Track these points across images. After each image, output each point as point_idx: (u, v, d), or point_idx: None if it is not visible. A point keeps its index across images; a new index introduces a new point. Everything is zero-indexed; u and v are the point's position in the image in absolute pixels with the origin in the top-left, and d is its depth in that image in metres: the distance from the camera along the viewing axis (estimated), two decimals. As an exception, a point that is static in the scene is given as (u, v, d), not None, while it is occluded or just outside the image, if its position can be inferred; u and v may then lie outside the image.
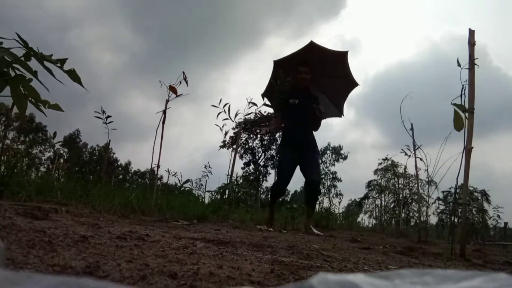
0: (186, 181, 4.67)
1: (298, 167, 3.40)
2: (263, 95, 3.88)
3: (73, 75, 0.99)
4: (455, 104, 1.53)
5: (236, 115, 3.58)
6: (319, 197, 3.69)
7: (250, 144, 19.63)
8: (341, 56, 3.79)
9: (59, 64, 0.97)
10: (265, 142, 19.61)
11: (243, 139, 18.63)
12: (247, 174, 18.82)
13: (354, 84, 4.06)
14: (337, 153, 24.72)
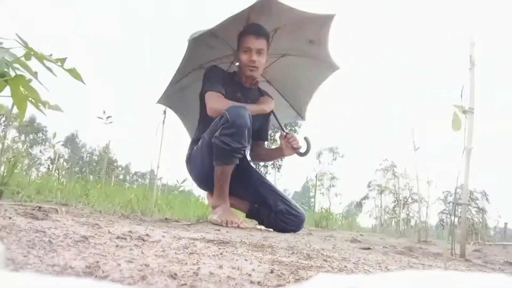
0: (184, 180, 4.67)
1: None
2: (162, 102, 2.40)
3: (74, 73, 1.00)
4: (455, 105, 1.53)
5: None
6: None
7: (250, 144, 19.59)
8: (322, 22, 2.24)
9: (59, 63, 0.97)
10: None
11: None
12: (247, 174, 18.79)
13: (330, 67, 2.50)
14: (334, 152, 24.76)
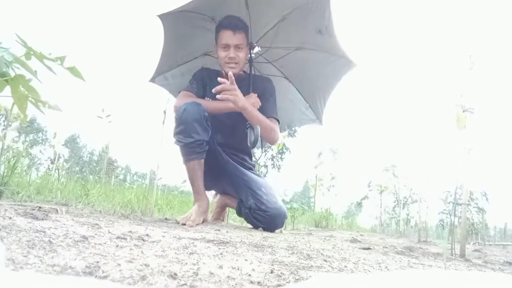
0: (184, 181, 4.69)
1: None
2: (154, 80, 2.40)
3: (74, 71, 0.99)
4: (456, 104, 1.53)
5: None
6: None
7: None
8: (322, 3, 2.01)
9: (59, 62, 0.97)
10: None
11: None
12: (247, 174, 18.72)
13: (347, 64, 2.24)
14: (334, 152, 24.85)
